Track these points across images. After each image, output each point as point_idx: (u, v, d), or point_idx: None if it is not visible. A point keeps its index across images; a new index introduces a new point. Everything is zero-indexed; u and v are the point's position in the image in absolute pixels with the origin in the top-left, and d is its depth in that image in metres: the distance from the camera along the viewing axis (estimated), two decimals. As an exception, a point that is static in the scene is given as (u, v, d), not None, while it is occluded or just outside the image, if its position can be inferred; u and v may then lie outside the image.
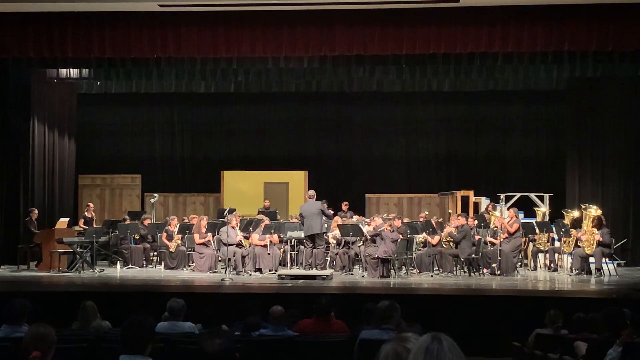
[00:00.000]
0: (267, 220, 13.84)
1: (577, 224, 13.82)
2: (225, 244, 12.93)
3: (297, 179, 19.01)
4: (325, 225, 13.82)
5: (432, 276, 12.95)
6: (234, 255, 13.04)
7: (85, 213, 16.32)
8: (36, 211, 14.65)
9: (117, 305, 8.86)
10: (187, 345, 5.87)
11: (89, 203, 16.89)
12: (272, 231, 13.41)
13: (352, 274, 13.10)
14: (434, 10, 12.62)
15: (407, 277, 12.79)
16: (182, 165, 19.96)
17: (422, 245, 13.91)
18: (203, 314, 7.05)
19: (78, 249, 13.34)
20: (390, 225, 12.78)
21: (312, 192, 13.54)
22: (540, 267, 14.20)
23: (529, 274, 13.48)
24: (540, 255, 14.26)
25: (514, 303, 9.86)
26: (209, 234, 13.65)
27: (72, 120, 17.57)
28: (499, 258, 13.01)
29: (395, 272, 12.68)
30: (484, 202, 16.65)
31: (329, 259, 13.58)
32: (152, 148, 19.89)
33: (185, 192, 19.65)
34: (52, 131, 16.55)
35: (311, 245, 13.09)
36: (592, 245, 12.88)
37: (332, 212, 14.57)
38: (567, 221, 13.96)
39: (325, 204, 15.22)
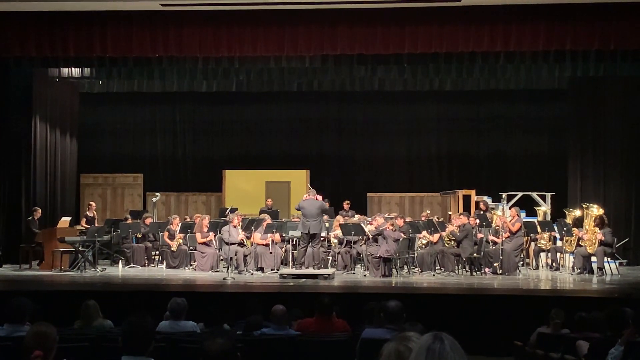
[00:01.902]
0: (268, 220, 13.84)
1: (579, 223, 13.80)
2: (227, 243, 12.93)
3: (298, 178, 19.00)
4: (327, 224, 13.82)
5: (433, 275, 12.95)
6: (235, 255, 13.05)
7: (87, 212, 16.32)
8: (39, 210, 14.67)
9: (119, 304, 8.86)
10: (189, 344, 5.88)
11: (91, 202, 16.89)
12: (274, 230, 13.42)
13: (353, 273, 13.11)
14: (436, 9, 12.62)
15: (408, 277, 12.79)
16: (184, 165, 19.97)
17: (424, 245, 13.91)
18: (205, 313, 7.05)
19: (80, 248, 13.35)
20: (392, 225, 12.78)
21: (312, 189, 13.55)
22: (542, 267, 14.18)
23: (531, 273, 13.48)
24: (542, 254, 14.24)
25: (515, 302, 9.85)
26: (211, 233, 13.65)
27: (73, 120, 17.60)
28: (501, 257, 13.00)
29: (397, 272, 12.68)
30: (482, 201, 16.59)
31: (330, 258, 13.58)
32: (154, 147, 19.90)
33: (187, 191, 19.65)
34: (54, 130, 16.57)
35: (306, 243, 13.11)
36: (594, 244, 12.87)
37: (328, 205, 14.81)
38: (569, 220, 13.95)
39: (327, 203, 15.33)
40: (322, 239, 13.61)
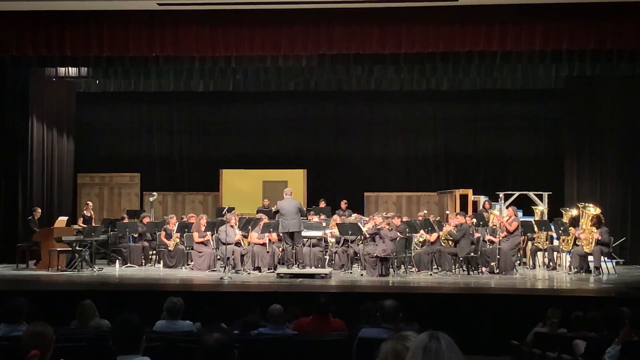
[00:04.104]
0: (265, 219, 13.85)
1: (575, 222, 13.83)
2: (224, 243, 12.93)
3: (295, 177, 19.00)
4: (324, 224, 13.84)
5: (430, 275, 12.96)
6: (232, 254, 13.05)
7: (84, 212, 16.30)
8: (39, 210, 14.66)
9: (115, 304, 8.85)
10: (185, 344, 5.87)
11: (88, 202, 16.87)
12: (271, 230, 13.42)
13: (351, 273, 13.11)
14: (433, 8, 12.63)
15: (405, 276, 12.79)
16: (181, 164, 19.93)
17: (421, 244, 13.91)
18: (202, 312, 7.04)
19: (77, 248, 13.33)
20: (389, 224, 12.78)
21: (289, 189, 13.68)
22: (539, 266, 14.20)
23: (528, 273, 13.50)
24: (539, 253, 14.27)
25: (512, 302, 9.86)
26: (208, 233, 13.65)
27: (70, 119, 17.56)
28: (498, 256, 13.01)
29: (394, 271, 12.68)
30: (483, 200, 16.61)
31: (327, 257, 13.59)
32: (151, 147, 19.87)
33: (184, 190, 19.63)
34: (51, 130, 16.53)
35: (290, 243, 13.14)
36: (591, 243, 12.88)
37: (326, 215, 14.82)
38: (565, 220, 13.97)
39: (323, 202, 15.41)
40: (318, 238, 13.63)
